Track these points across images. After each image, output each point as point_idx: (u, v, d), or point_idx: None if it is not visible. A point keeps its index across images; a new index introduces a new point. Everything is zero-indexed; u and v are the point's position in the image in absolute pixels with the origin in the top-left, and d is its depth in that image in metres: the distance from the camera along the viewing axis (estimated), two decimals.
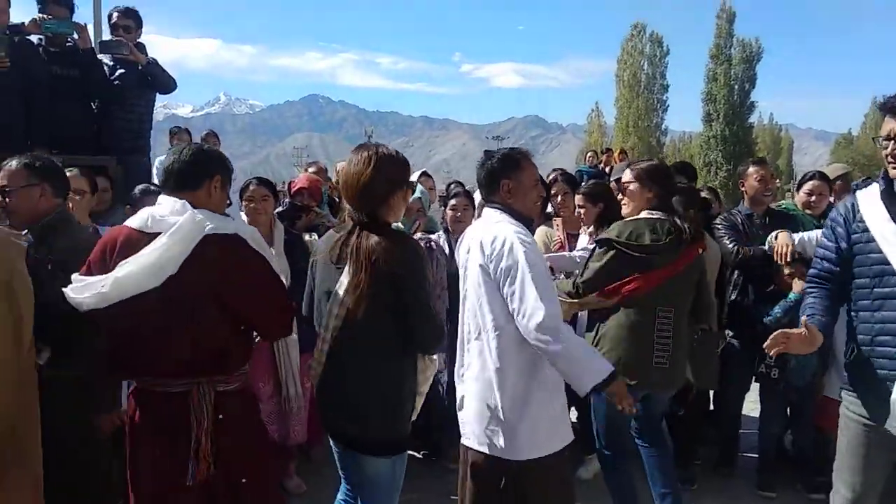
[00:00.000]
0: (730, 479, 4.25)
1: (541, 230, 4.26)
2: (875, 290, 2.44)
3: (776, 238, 3.72)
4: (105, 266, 2.25)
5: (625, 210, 3.26)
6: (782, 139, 71.10)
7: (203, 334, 2.26)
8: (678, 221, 3.09)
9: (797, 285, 3.65)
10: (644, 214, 3.15)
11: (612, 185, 4.30)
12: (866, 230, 2.46)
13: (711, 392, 4.48)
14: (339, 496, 2.71)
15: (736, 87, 41.82)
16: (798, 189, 4.42)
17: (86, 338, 2.36)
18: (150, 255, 2.16)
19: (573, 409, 4.09)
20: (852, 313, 2.56)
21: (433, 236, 4.22)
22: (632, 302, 3.06)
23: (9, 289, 2.17)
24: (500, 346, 2.51)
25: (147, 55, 4.71)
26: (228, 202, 2.53)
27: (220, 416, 2.29)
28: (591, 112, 51.20)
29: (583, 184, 4.25)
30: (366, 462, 2.46)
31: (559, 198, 4.32)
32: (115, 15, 4.64)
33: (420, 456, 4.42)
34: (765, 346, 2.46)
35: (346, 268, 2.36)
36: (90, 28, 4.95)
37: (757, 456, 4.25)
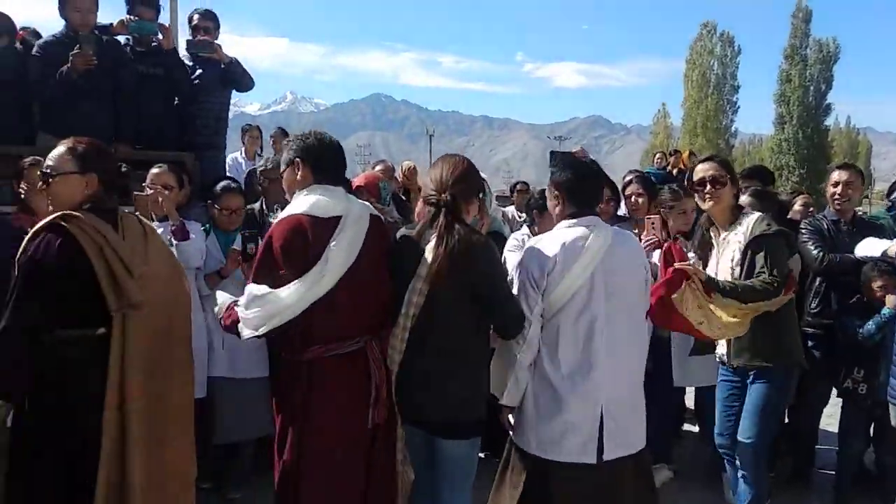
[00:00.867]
0: (804, 494, 4.09)
1: None
2: None
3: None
4: (306, 251, 2.40)
5: (709, 205, 3.24)
6: (860, 143, 68.24)
7: (380, 296, 2.54)
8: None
9: (890, 300, 3.52)
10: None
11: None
12: None
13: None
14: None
15: (811, 88, 40.36)
16: (888, 195, 4.23)
17: None
18: (348, 237, 2.44)
19: None
20: None
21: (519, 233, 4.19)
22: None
23: None
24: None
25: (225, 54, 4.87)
26: None
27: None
28: (658, 113, 50.23)
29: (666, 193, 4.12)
30: (449, 446, 2.52)
31: (633, 199, 4.22)
32: (195, 17, 4.81)
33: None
34: None
35: (429, 249, 2.44)
36: None
37: (833, 473, 4.08)
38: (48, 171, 2.45)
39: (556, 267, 2.50)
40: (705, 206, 3.26)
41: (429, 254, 2.44)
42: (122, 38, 4.57)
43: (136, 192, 3.48)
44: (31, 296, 2.29)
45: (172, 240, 3.50)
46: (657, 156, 11.27)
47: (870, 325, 3.58)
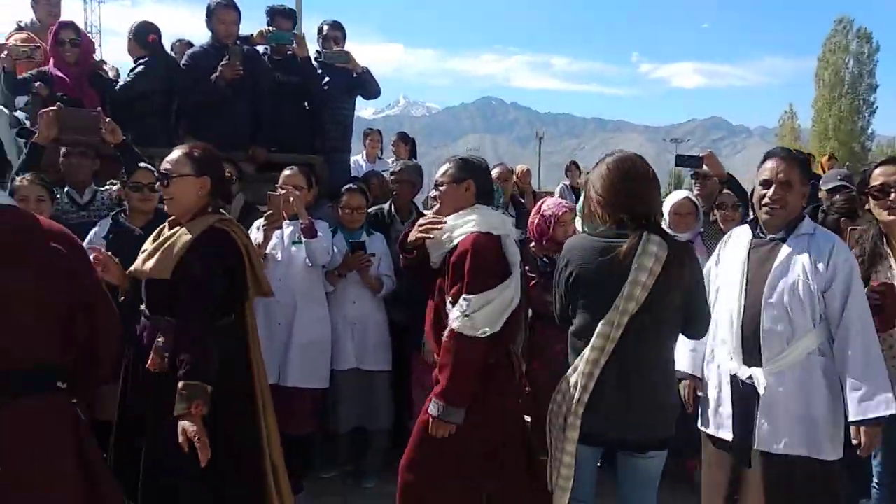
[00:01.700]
0: None
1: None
2: None
3: None
4: (500, 263, 2.66)
5: (887, 216, 2.90)
6: None
7: None
8: None
9: None
10: None
11: (824, 194, 3.96)
12: None
13: None
14: None
15: None
16: None
17: None
18: (514, 252, 2.70)
19: None
20: None
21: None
22: None
23: None
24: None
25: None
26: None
27: None
28: (784, 114, 47.29)
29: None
30: (648, 462, 2.55)
31: None
32: (325, 27, 5.06)
33: None
34: None
35: (638, 268, 2.40)
36: None
37: None
38: (166, 172, 2.61)
39: None
40: (887, 216, 2.87)
41: (641, 273, 2.40)
42: (260, 48, 4.88)
43: (269, 192, 3.69)
44: (213, 293, 2.52)
45: (301, 237, 3.69)
46: None
47: None
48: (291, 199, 3.64)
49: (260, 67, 4.68)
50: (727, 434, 2.68)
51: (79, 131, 3.41)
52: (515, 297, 2.62)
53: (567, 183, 8.96)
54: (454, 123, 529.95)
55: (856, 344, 2.47)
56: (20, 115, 4.72)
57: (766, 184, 2.64)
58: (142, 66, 4.46)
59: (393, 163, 6.91)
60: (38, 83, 4.31)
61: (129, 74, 4.54)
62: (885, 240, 2.94)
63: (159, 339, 2.48)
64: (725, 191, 4.17)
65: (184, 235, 2.56)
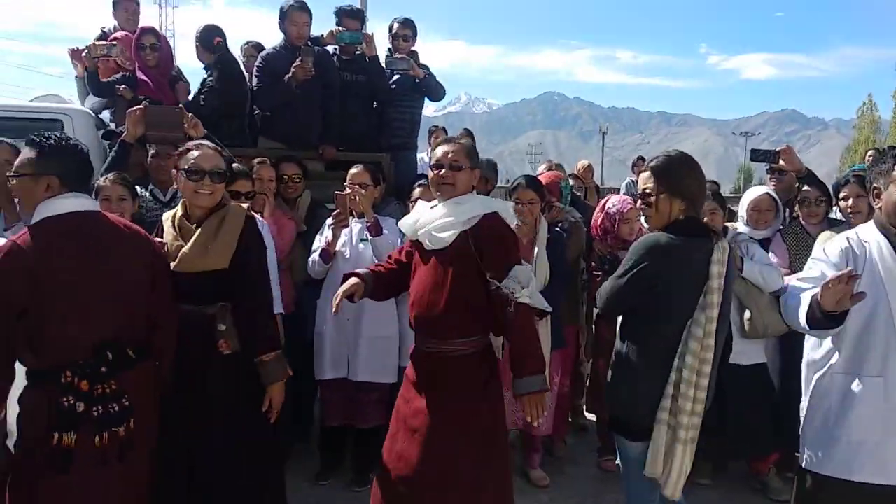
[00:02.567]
0: None
1: (825, 236, 3.85)
2: None
3: None
4: None
5: None
6: None
7: None
8: None
9: None
10: None
11: None
12: None
13: None
14: None
15: None
16: None
17: None
18: None
19: None
20: None
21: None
22: None
23: None
24: None
25: (419, 61, 5.13)
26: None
27: None
28: (863, 105, 45.15)
29: None
30: None
31: (850, 201, 3.83)
32: (395, 25, 5.11)
33: None
34: None
35: (716, 273, 2.44)
36: None
37: None
38: (219, 170, 2.74)
39: None
40: None
41: (717, 265, 2.45)
42: (329, 48, 4.97)
43: (336, 191, 3.76)
44: (267, 271, 2.83)
45: (367, 234, 3.74)
46: (869, 153, 10.15)
47: None
48: (357, 197, 3.69)
49: (329, 67, 4.75)
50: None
51: (163, 128, 3.54)
52: None
53: (633, 178, 8.78)
54: (515, 119, 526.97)
55: None
56: (105, 115, 4.94)
57: None
58: (210, 82, 4.56)
59: None
60: (123, 86, 4.51)
61: (199, 88, 4.67)
62: None
63: (221, 326, 2.61)
64: (806, 186, 4.02)
65: (230, 225, 2.66)
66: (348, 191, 3.75)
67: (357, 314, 3.74)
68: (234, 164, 3.68)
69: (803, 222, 4.05)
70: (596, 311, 4.28)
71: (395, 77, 5.02)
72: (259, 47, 5.17)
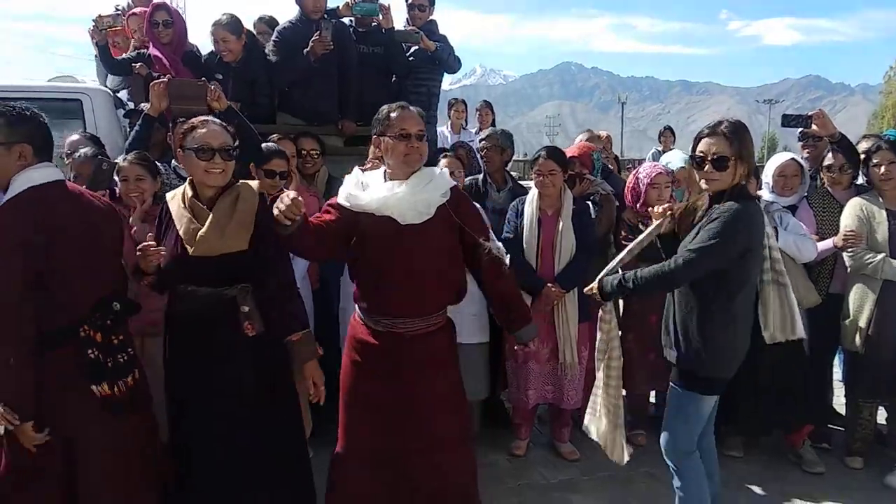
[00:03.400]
0: None
1: (855, 202, 3.73)
2: None
3: None
4: None
5: None
6: None
7: None
8: None
9: None
10: None
11: None
12: None
13: None
14: None
15: None
16: None
17: None
18: None
19: None
20: None
21: None
22: None
23: None
24: None
25: (438, 31, 5.02)
26: None
27: None
28: (889, 70, 44.03)
29: None
30: None
31: (882, 168, 3.70)
32: None
33: None
34: None
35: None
36: None
37: None
38: (228, 147, 2.60)
39: None
40: None
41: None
42: (345, 20, 4.87)
43: (357, 166, 3.71)
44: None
45: None
46: None
47: None
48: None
49: (346, 40, 4.65)
50: None
51: (186, 100, 3.51)
52: None
53: (659, 148, 8.64)
54: (532, 91, 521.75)
55: None
56: (123, 95, 4.91)
57: None
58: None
59: (476, 133, 6.85)
60: (139, 63, 4.47)
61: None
62: None
63: (244, 307, 2.51)
64: (830, 154, 3.91)
65: (245, 205, 2.59)
66: (368, 165, 3.70)
67: None
68: (269, 143, 3.65)
69: (829, 189, 3.97)
70: None
71: (413, 48, 4.92)
72: (272, 22, 5.08)
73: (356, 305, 2.78)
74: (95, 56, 5.19)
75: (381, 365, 2.67)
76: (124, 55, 4.71)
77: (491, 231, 3.15)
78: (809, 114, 3.97)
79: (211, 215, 2.53)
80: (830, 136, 3.92)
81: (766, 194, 3.94)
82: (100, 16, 4.66)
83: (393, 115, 2.65)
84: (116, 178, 3.32)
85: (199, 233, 2.51)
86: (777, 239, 3.47)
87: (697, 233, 2.60)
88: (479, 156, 4.58)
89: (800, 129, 4.19)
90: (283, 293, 2.61)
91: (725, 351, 2.65)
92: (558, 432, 4.04)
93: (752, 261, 2.65)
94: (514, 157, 5.16)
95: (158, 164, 3.51)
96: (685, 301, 2.68)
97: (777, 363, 3.56)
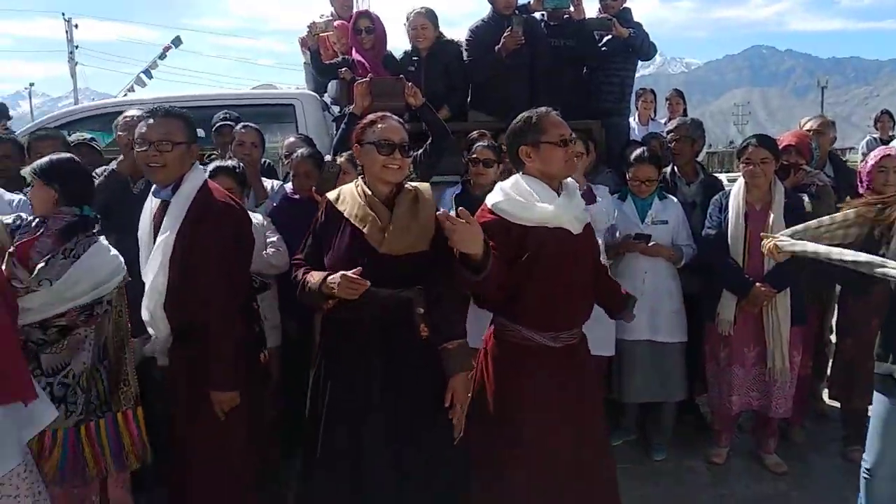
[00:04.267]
0: None
1: None
2: None
3: None
4: None
5: None
6: None
7: None
8: None
9: None
10: None
11: None
12: None
13: None
14: None
15: None
16: None
17: None
18: None
19: None
20: None
21: None
22: None
23: None
24: None
25: (632, 18, 4.88)
26: None
27: None
28: None
29: None
30: None
31: None
32: None
33: None
34: None
35: None
36: None
37: None
38: (405, 143, 2.61)
39: None
40: None
41: None
42: (536, 14, 4.88)
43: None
44: None
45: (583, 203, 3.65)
46: None
47: None
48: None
49: (538, 35, 4.65)
50: None
51: (386, 97, 3.73)
52: None
53: (876, 135, 7.78)
54: (717, 78, 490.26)
55: None
56: (327, 99, 5.30)
57: None
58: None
59: (666, 123, 6.55)
60: (344, 69, 4.79)
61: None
62: None
63: (419, 309, 2.45)
64: None
65: (426, 204, 2.53)
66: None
67: None
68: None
69: None
70: (839, 287, 3.85)
71: (606, 38, 4.81)
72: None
73: (506, 327, 2.57)
74: (305, 63, 5.64)
75: (555, 378, 2.53)
76: (332, 61, 5.07)
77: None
78: None
79: (395, 213, 2.48)
80: None
81: None
82: (313, 22, 5.04)
83: (544, 120, 2.58)
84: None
85: (388, 231, 2.45)
86: None
87: None
88: (668, 147, 4.40)
89: None
90: (453, 298, 2.53)
91: None
92: (764, 442, 3.77)
93: None
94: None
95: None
96: None
97: None
